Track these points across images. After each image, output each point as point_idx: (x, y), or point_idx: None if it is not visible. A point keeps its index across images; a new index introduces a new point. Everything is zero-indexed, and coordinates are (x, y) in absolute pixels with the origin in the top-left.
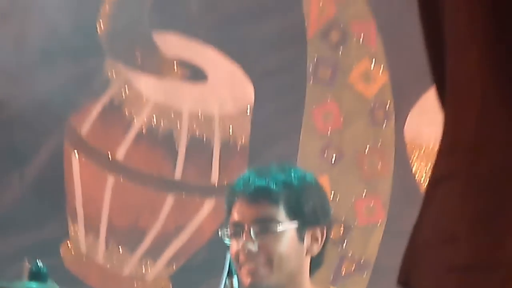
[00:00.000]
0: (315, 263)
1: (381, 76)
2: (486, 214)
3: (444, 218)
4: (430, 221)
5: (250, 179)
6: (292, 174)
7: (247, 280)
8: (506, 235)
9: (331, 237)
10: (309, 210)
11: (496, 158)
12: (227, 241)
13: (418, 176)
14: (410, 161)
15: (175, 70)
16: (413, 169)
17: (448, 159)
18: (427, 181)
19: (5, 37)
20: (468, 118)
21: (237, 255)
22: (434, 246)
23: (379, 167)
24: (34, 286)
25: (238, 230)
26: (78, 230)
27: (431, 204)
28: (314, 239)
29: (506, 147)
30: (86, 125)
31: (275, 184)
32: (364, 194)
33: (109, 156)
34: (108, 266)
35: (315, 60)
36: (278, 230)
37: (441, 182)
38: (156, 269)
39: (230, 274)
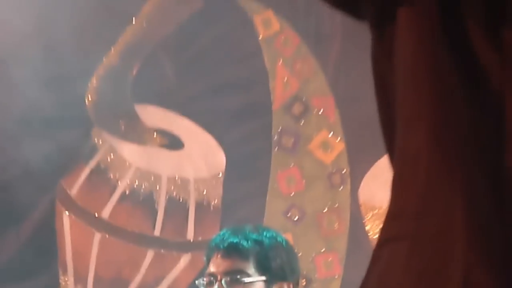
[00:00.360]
0: None
1: (338, 144)
2: (427, 274)
3: (388, 276)
4: (376, 278)
5: (225, 236)
6: (264, 234)
7: None
8: None
9: None
10: (276, 266)
11: (438, 224)
12: None
13: (371, 234)
14: (364, 221)
15: (155, 139)
16: (367, 228)
17: (395, 223)
18: (376, 241)
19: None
20: (414, 187)
21: None
22: None
23: (336, 226)
24: None
25: (212, 280)
26: (68, 281)
27: (377, 262)
28: None
29: (447, 215)
30: (75, 187)
31: (247, 242)
32: (323, 250)
33: (96, 215)
34: None
35: (280, 130)
36: (246, 281)
37: (387, 243)
38: None
39: None
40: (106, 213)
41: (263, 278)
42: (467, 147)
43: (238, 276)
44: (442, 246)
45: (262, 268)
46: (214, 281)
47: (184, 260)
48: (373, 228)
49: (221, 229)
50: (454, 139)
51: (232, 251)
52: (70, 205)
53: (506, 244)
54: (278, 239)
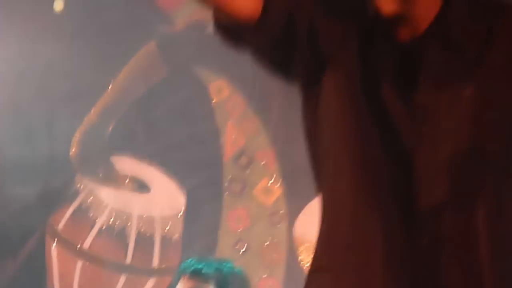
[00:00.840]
0: None
1: (277, 189)
2: None
3: None
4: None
5: (192, 263)
6: (224, 264)
7: None
8: None
9: None
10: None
11: (360, 257)
12: None
13: (303, 264)
14: (298, 252)
15: (127, 184)
16: (300, 258)
17: (323, 255)
18: (308, 270)
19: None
20: (341, 225)
21: None
22: None
23: (275, 256)
24: None
25: None
26: None
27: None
28: None
29: (369, 250)
30: (62, 223)
31: (209, 269)
32: (265, 276)
33: (78, 246)
34: None
35: (229, 178)
36: None
37: (317, 272)
38: None
39: None
40: (86, 244)
41: None
42: (384, 193)
43: None
44: (363, 276)
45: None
46: None
47: (150, 283)
48: (305, 259)
49: (181, 260)
50: (373, 187)
51: (196, 275)
52: (57, 237)
53: (417, 272)
54: (235, 269)
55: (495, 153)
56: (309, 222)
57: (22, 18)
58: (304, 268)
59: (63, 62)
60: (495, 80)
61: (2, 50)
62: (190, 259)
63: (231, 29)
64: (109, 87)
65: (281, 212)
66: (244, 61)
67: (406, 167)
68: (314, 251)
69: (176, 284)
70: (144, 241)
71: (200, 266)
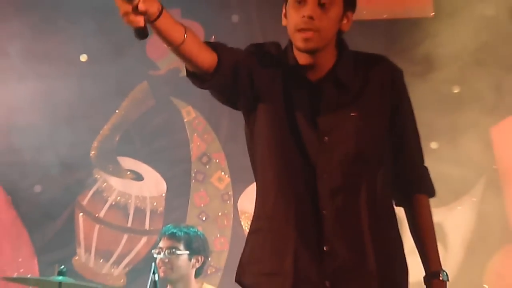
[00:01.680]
0: (197, 272)
1: (226, 179)
2: (273, 250)
3: (254, 252)
4: (247, 252)
5: (169, 228)
6: (191, 229)
7: (162, 275)
8: (285, 256)
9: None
10: (195, 247)
11: (279, 224)
12: (155, 255)
13: (244, 226)
14: (240, 219)
15: (128, 175)
16: (242, 223)
17: (257, 222)
18: (248, 232)
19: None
20: (268, 202)
21: (158, 263)
22: (247, 264)
23: (225, 222)
24: (60, 278)
25: (160, 251)
26: (81, 251)
27: (248, 244)
28: (196, 260)
29: (287, 218)
30: (85, 200)
31: (180, 231)
32: (218, 235)
33: (96, 215)
34: (95, 268)
35: (195, 171)
36: (177, 253)
37: (253, 233)
38: (119, 270)
39: (154, 272)
40: (101, 214)
41: (187, 252)
42: (298, 181)
43: (174, 250)
44: (282, 234)
45: (188, 247)
46: (161, 252)
47: (143, 240)
48: (245, 224)
49: (164, 225)
50: (290, 177)
51: (171, 236)
52: (82, 210)
53: (319, 233)
54: (198, 233)
55: (372, 155)
56: (247, 200)
57: (56, 63)
58: (245, 230)
59: (85, 95)
60: (370, 106)
61: (41, 84)
62: (168, 225)
63: (197, 75)
64: (116, 111)
65: (229, 193)
66: (205, 94)
67: (313, 164)
68: (252, 219)
69: (159, 242)
70: (139, 213)
71: (174, 230)
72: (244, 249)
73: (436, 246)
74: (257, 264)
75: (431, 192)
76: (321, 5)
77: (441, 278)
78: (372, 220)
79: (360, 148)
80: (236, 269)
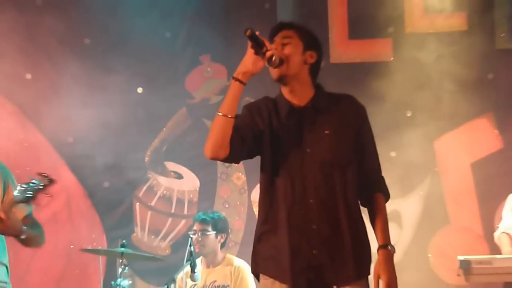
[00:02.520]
0: (221, 245)
1: (243, 177)
2: (275, 232)
3: (266, 244)
4: (257, 251)
5: (200, 214)
6: (216, 214)
7: (197, 250)
8: (282, 236)
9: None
10: (219, 228)
11: (277, 221)
12: (191, 235)
13: (255, 212)
14: (253, 207)
15: (172, 174)
16: (254, 209)
17: (263, 226)
18: (255, 236)
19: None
20: (266, 200)
21: (194, 241)
22: (261, 260)
23: (242, 209)
24: (122, 249)
25: (194, 232)
26: (137, 229)
27: (259, 241)
28: (221, 237)
29: (280, 222)
30: (141, 193)
31: (208, 217)
32: (237, 219)
33: (149, 204)
34: (148, 242)
35: (220, 172)
36: (207, 234)
37: (263, 235)
38: (165, 243)
39: (190, 245)
40: (153, 203)
41: (214, 232)
42: (292, 187)
43: (204, 231)
44: (280, 228)
45: (214, 228)
46: (195, 233)
47: (183, 222)
48: (256, 210)
49: (198, 211)
50: (283, 181)
51: (202, 221)
52: (139, 200)
53: (307, 220)
54: (221, 216)
55: (341, 161)
56: (257, 193)
57: (120, 94)
58: (255, 214)
59: (141, 118)
60: (339, 127)
61: (108, 109)
62: (200, 213)
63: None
64: (164, 129)
65: (245, 188)
66: None
67: (300, 169)
68: (257, 223)
69: (193, 225)
70: (180, 202)
71: (204, 217)
72: (254, 246)
73: (387, 228)
74: (266, 255)
75: (386, 193)
76: (283, 45)
77: (389, 248)
78: (345, 207)
79: (333, 156)
80: (248, 242)
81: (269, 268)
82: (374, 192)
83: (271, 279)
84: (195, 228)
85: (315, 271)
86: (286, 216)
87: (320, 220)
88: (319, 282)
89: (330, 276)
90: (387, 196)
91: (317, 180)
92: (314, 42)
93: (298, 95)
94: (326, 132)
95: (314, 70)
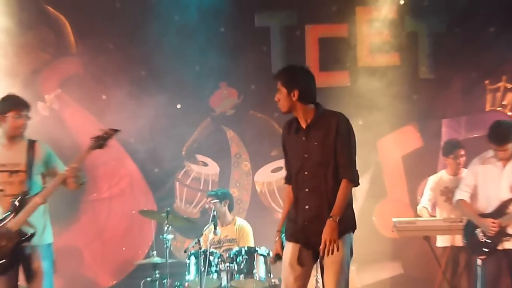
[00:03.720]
0: (229, 209)
1: (248, 165)
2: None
3: (296, 207)
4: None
5: (213, 190)
6: (223, 190)
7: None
8: (295, 211)
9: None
10: (221, 196)
11: (295, 196)
12: (207, 205)
13: (258, 189)
14: (256, 186)
15: (200, 163)
16: (256, 187)
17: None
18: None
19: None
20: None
21: (208, 208)
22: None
23: (247, 187)
24: (167, 214)
25: (209, 201)
26: (177, 200)
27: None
28: (225, 203)
29: (295, 194)
30: (180, 176)
31: (212, 192)
32: (245, 193)
33: (185, 183)
34: (184, 209)
35: (233, 161)
36: (213, 202)
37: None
38: (196, 210)
39: (214, 210)
40: (187, 182)
41: (218, 200)
42: (297, 180)
43: (215, 201)
44: (294, 203)
45: (221, 198)
46: (210, 202)
47: (209, 198)
48: (258, 188)
49: (218, 188)
50: (297, 179)
51: (210, 195)
52: (178, 180)
53: (304, 203)
54: (223, 189)
55: (326, 162)
56: (258, 176)
57: (161, 108)
58: (257, 190)
59: (179, 125)
60: (324, 138)
61: (154, 123)
62: (219, 188)
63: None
64: (194, 133)
65: (250, 172)
66: (238, 124)
67: (300, 168)
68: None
69: (207, 197)
70: (206, 182)
71: (212, 192)
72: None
73: (340, 204)
74: (289, 218)
75: (351, 180)
76: (277, 90)
77: (332, 219)
78: (326, 193)
79: (320, 159)
80: (252, 209)
81: (286, 232)
82: (342, 178)
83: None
84: (208, 199)
85: (305, 237)
86: (295, 199)
87: (310, 203)
88: (307, 244)
89: (315, 240)
90: (353, 183)
91: (310, 175)
92: (295, 82)
93: (301, 118)
94: (315, 143)
95: (303, 99)
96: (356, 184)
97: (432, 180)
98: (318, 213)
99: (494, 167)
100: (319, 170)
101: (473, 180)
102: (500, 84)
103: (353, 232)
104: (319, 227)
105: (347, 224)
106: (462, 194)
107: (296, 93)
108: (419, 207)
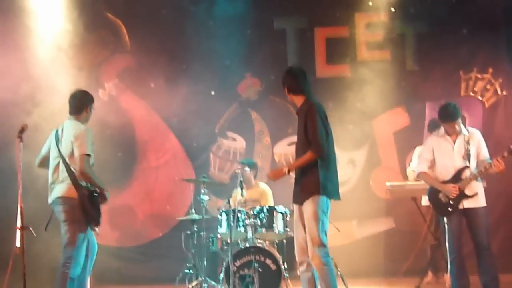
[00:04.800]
0: (254, 177)
1: (269, 140)
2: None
3: (305, 179)
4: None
5: (241, 160)
6: (249, 159)
7: (241, 179)
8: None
9: None
10: (251, 166)
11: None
12: (237, 171)
13: (276, 159)
14: (275, 156)
15: (230, 138)
16: (275, 158)
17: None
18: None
19: None
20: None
21: (239, 174)
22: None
23: (268, 158)
24: (203, 179)
25: (240, 168)
26: (212, 168)
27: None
28: (254, 172)
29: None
30: (213, 149)
31: (245, 161)
32: (265, 162)
33: (218, 155)
34: (217, 175)
35: (256, 136)
36: (245, 170)
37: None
38: (227, 175)
39: (241, 176)
40: (220, 154)
41: (249, 169)
42: (298, 147)
43: (246, 168)
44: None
45: (251, 167)
46: (243, 169)
47: (236, 165)
48: (277, 158)
49: (244, 158)
50: (298, 145)
51: (242, 163)
52: (213, 152)
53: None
54: (252, 160)
55: (302, 141)
56: (277, 149)
57: (198, 96)
58: (276, 160)
59: (214, 108)
60: (301, 121)
61: (194, 107)
62: (242, 159)
63: None
64: (225, 114)
65: (270, 145)
66: (261, 105)
67: (296, 144)
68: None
69: (239, 164)
70: (234, 153)
71: (244, 161)
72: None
73: (296, 163)
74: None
75: (314, 151)
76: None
77: (282, 167)
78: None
79: (299, 137)
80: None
81: None
82: (308, 150)
83: None
84: (239, 167)
85: (295, 197)
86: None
87: (296, 171)
88: (296, 203)
89: (297, 199)
90: (316, 153)
91: (298, 149)
92: (285, 84)
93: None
94: (298, 126)
95: (290, 91)
96: (318, 155)
97: (418, 150)
98: (297, 179)
99: (446, 142)
100: (300, 146)
101: (430, 155)
102: (472, 74)
103: (321, 195)
104: (297, 190)
105: (311, 188)
106: (422, 167)
107: (286, 88)
108: (408, 170)
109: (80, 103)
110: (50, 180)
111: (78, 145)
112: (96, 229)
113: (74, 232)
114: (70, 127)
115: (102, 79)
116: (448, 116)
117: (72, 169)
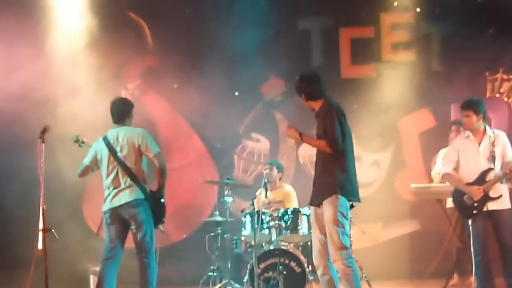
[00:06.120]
0: (280, 178)
1: (292, 141)
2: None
3: (318, 170)
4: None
5: (269, 161)
6: (276, 161)
7: (267, 181)
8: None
9: None
10: (279, 168)
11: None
12: (265, 172)
13: (301, 161)
14: (299, 158)
15: (255, 140)
16: (300, 159)
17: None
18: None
19: None
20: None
21: (265, 175)
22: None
23: (293, 159)
24: (227, 180)
25: (267, 168)
26: (236, 170)
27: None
28: (280, 174)
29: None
30: (237, 150)
31: (274, 162)
32: (290, 164)
33: (242, 156)
34: (241, 177)
35: (281, 138)
36: (273, 171)
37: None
38: (251, 177)
39: (265, 178)
40: (244, 155)
41: (277, 170)
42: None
43: (271, 170)
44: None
45: (279, 169)
46: (267, 169)
47: (260, 166)
48: (301, 159)
49: (269, 160)
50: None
51: (270, 164)
52: (237, 154)
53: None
54: (279, 162)
55: (320, 137)
56: (303, 150)
57: (222, 96)
58: (301, 162)
59: (238, 109)
60: (319, 122)
61: (218, 108)
62: (269, 160)
63: None
64: (249, 115)
65: (294, 147)
66: (286, 108)
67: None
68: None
69: (266, 166)
70: (258, 155)
71: (271, 162)
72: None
73: (313, 140)
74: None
75: (328, 143)
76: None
77: (299, 133)
78: (321, 163)
79: (318, 135)
80: (296, 178)
81: None
82: (324, 140)
83: None
84: (266, 167)
85: (313, 199)
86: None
87: (315, 172)
88: (313, 204)
89: (315, 200)
90: (329, 146)
91: (317, 150)
92: (301, 93)
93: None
94: (317, 127)
95: (309, 98)
96: (329, 144)
97: (443, 151)
98: (316, 180)
99: (472, 144)
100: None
101: (456, 156)
102: (498, 75)
103: (340, 195)
104: (316, 191)
105: (330, 188)
106: (447, 168)
107: (303, 97)
108: (432, 173)
109: (122, 113)
110: (110, 188)
111: (147, 146)
112: (161, 227)
113: (151, 230)
114: (126, 134)
115: (125, 80)
116: (467, 104)
117: (134, 172)
